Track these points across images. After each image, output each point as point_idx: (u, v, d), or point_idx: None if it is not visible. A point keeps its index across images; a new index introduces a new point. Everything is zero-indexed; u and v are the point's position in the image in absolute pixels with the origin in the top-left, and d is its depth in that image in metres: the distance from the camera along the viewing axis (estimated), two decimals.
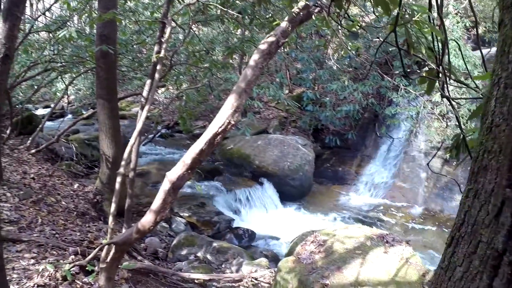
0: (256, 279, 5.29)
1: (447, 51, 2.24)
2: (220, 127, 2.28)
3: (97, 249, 3.66)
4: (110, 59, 6.52)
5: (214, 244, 6.34)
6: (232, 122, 2.29)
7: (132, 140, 3.63)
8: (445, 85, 2.31)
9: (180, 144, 13.14)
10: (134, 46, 9.61)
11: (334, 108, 11.90)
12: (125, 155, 3.65)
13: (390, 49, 11.45)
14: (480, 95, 2.25)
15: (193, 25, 9.86)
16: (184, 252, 6.27)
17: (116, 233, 6.05)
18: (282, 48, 13.40)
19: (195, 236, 6.55)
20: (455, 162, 10.73)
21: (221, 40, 9.86)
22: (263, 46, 2.44)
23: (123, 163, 3.75)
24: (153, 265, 5.32)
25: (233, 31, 10.00)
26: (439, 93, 10.43)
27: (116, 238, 3.25)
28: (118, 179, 3.76)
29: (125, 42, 8.89)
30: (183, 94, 11.47)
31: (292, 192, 10.24)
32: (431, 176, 10.84)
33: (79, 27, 11.42)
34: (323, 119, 12.11)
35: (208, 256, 6.19)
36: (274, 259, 6.96)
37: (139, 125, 3.70)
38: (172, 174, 2.51)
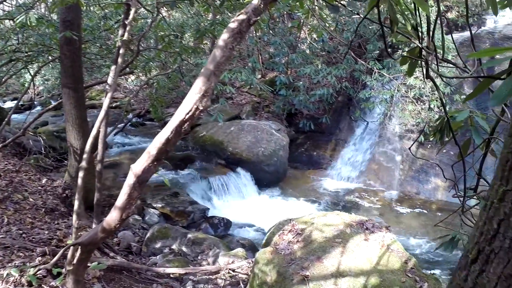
0: (233, 270, 5.11)
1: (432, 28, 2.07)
2: (187, 113, 2.07)
3: (62, 251, 3.41)
4: (75, 46, 6.21)
5: (189, 236, 6.13)
6: (201, 108, 2.08)
7: (94, 130, 3.37)
8: (434, 65, 2.15)
9: (152, 133, 12.81)
10: (102, 33, 9.23)
11: (307, 92, 11.75)
12: (87, 147, 3.39)
13: (363, 32, 11.35)
14: (471, 74, 2.08)
15: (162, 9, 9.54)
16: (158, 245, 6.05)
17: (86, 229, 5.81)
18: (254, 32, 13.15)
19: (169, 228, 6.33)
20: (430, 145, 10.76)
21: (191, 24, 9.55)
22: (233, 25, 2.23)
23: (85, 156, 3.48)
24: (126, 261, 5.09)
25: (203, 15, 9.70)
26: (414, 76, 10.43)
27: (81, 238, 3.01)
28: (80, 173, 3.50)
29: (91, 28, 8.52)
30: (154, 81, 11.15)
31: (267, 178, 10.09)
32: (406, 159, 10.84)
33: (46, 14, 10.93)
34: (296, 103, 11.95)
35: (184, 248, 5.99)
36: (251, 247, 6.82)
37: (101, 114, 3.44)
38: (137, 167, 2.29)
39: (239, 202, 9.03)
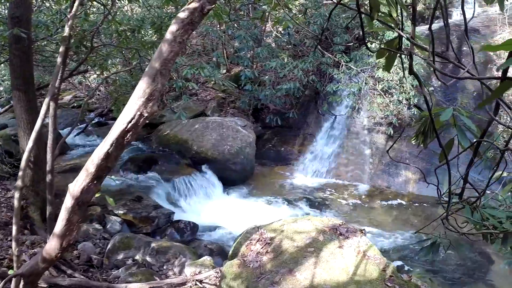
0: (200, 281, 4.76)
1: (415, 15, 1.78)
2: (130, 122, 1.71)
3: (2, 283, 2.98)
4: (24, 44, 5.68)
5: (153, 245, 5.73)
6: (145, 114, 1.73)
7: (32, 138, 2.94)
8: (431, 59, 1.86)
9: None
10: (59, 30, 8.65)
11: (273, 87, 11.45)
12: (22, 163, 2.95)
13: (329, 24, 11.10)
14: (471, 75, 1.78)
15: (120, 2, 9.02)
16: (120, 256, 5.63)
17: (42, 245, 5.35)
18: (219, 25, 12.74)
19: (131, 238, 5.90)
20: (399, 138, 10.63)
21: (151, 18, 9.07)
22: (183, 14, 1.87)
23: (20, 173, 3.04)
24: (85, 280, 4.67)
25: (163, 8, 9.23)
26: (381, 69, 10.24)
27: (22, 268, 2.61)
28: (16, 194, 3.06)
29: (45, 24, 7.95)
30: (116, 78, 10.64)
31: (234, 177, 9.74)
32: (376, 153, 10.69)
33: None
34: (262, 98, 11.63)
35: (148, 258, 5.59)
36: (219, 252, 6.49)
37: (38, 122, 3.00)
38: (75, 187, 1.91)
39: (206, 203, 8.66)
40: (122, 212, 7.02)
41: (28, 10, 5.79)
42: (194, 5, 1.89)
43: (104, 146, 1.77)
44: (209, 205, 8.60)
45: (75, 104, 15.33)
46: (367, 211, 9.10)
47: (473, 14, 12.10)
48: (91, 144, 11.01)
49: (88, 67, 9.30)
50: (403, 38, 2.07)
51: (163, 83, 1.80)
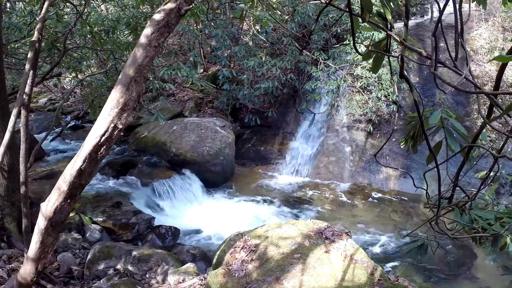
0: None
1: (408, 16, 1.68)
2: (103, 134, 1.56)
3: None
4: None
5: (134, 253, 5.55)
6: (120, 126, 1.59)
7: (3, 146, 2.75)
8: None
9: None
10: (32, 31, 8.36)
11: (252, 86, 11.32)
12: None
13: (308, 22, 11.01)
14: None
15: (93, 2, 8.78)
16: (101, 266, 5.43)
17: (19, 258, 5.14)
18: (195, 24, 12.53)
19: (111, 247, 5.70)
20: (378, 135, 10.63)
21: (126, 18, 8.83)
22: (158, 16, 1.72)
23: None
24: None
25: (138, 8, 9.01)
26: (360, 65, 10.22)
27: None
28: None
29: (17, 26, 7.67)
30: (91, 80, 10.39)
31: (214, 179, 9.58)
32: (356, 150, 10.66)
33: None
34: (241, 97, 11.49)
35: (129, 267, 5.41)
36: (202, 257, 6.35)
37: (6, 137, 2.80)
38: (48, 208, 1.76)
39: (187, 206, 8.49)
40: (101, 219, 6.81)
41: None
42: (170, 5, 1.74)
43: (76, 162, 1.62)
44: (190, 208, 8.44)
45: (51, 107, 14.98)
46: (349, 210, 9.06)
47: (443, 9, 12.15)
48: (67, 149, 10.73)
49: (62, 70, 9.04)
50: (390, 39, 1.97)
51: (138, 91, 1.66)
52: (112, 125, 1.58)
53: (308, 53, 10.64)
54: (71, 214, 1.74)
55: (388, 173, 10.17)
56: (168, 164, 9.40)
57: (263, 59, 10.88)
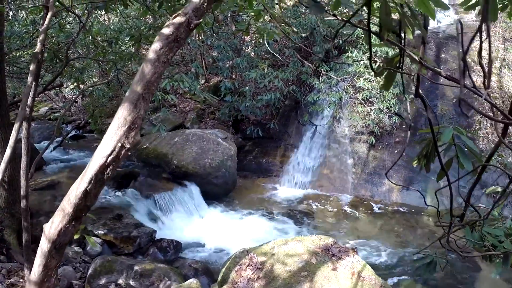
0: None
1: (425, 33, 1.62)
2: (110, 154, 1.49)
3: None
4: None
5: (136, 268, 5.46)
6: (127, 146, 1.51)
7: (5, 158, 2.68)
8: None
9: (93, 146, 11.93)
10: (34, 40, 8.32)
11: (254, 98, 11.28)
12: None
13: (310, 35, 10.99)
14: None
15: (95, 13, 8.75)
16: (103, 281, 5.34)
17: (19, 273, 5.06)
18: (197, 35, 12.51)
19: (112, 261, 5.61)
20: (380, 146, 10.56)
21: (129, 28, 8.78)
22: (167, 30, 1.66)
23: None
24: None
25: (141, 18, 8.98)
26: (362, 77, 10.17)
27: None
28: None
29: (19, 35, 7.63)
30: (93, 90, 10.35)
31: (216, 191, 9.49)
32: (358, 162, 10.59)
33: None
34: (243, 109, 11.44)
35: (131, 282, 5.32)
36: (204, 272, 6.27)
37: (8, 152, 2.73)
38: (51, 229, 1.69)
39: (188, 219, 8.39)
40: (102, 232, 6.72)
41: (0, 22, 5.50)
42: (179, 19, 1.68)
43: (81, 183, 1.54)
44: (192, 221, 8.34)
45: (51, 116, 14.94)
46: (352, 222, 8.97)
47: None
48: (68, 159, 10.64)
49: (64, 80, 8.99)
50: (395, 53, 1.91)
51: (146, 109, 1.60)
52: (119, 144, 1.51)
53: (310, 64, 10.61)
54: (76, 236, 1.69)
55: (391, 185, 10.09)
56: (170, 176, 9.32)
57: (265, 70, 10.84)
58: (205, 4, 1.75)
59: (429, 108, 1.95)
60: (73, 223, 1.64)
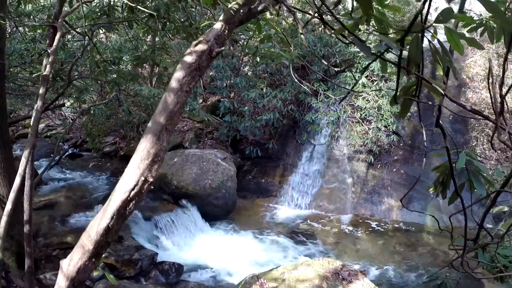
0: None
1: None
2: (133, 189, 1.45)
3: None
4: None
5: None
6: (150, 179, 1.48)
7: (13, 191, 2.64)
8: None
9: (90, 165, 11.85)
10: (33, 57, 8.28)
11: (253, 117, 11.27)
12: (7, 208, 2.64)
13: (307, 55, 11.05)
14: None
15: (98, 32, 8.74)
16: None
17: None
18: None
19: (115, 286, 5.53)
20: (379, 165, 10.56)
21: (129, 47, 8.77)
22: (189, 58, 1.64)
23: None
24: None
25: (143, 38, 8.99)
26: (361, 96, 10.21)
27: None
28: None
29: (19, 52, 7.61)
30: (91, 109, 10.29)
31: (216, 212, 9.41)
32: (357, 181, 10.57)
33: None
34: (242, 129, 11.42)
35: None
36: None
37: (26, 168, 2.70)
38: (70, 266, 1.64)
39: (189, 241, 8.30)
40: (103, 255, 6.62)
41: (1, 37, 5.47)
42: (202, 47, 1.66)
43: (103, 219, 1.50)
44: (193, 243, 8.26)
45: (48, 134, 14.81)
46: (353, 242, 8.92)
47: None
48: (65, 178, 10.54)
49: (64, 100, 8.94)
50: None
51: (168, 140, 1.57)
52: (143, 178, 1.47)
53: (307, 84, 10.65)
54: (95, 273, 1.66)
55: (390, 204, 10.08)
56: (170, 197, 9.24)
57: (264, 90, 10.86)
58: (226, 31, 1.74)
59: (447, 137, 1.95)
60: (93, 260, 1.61)
